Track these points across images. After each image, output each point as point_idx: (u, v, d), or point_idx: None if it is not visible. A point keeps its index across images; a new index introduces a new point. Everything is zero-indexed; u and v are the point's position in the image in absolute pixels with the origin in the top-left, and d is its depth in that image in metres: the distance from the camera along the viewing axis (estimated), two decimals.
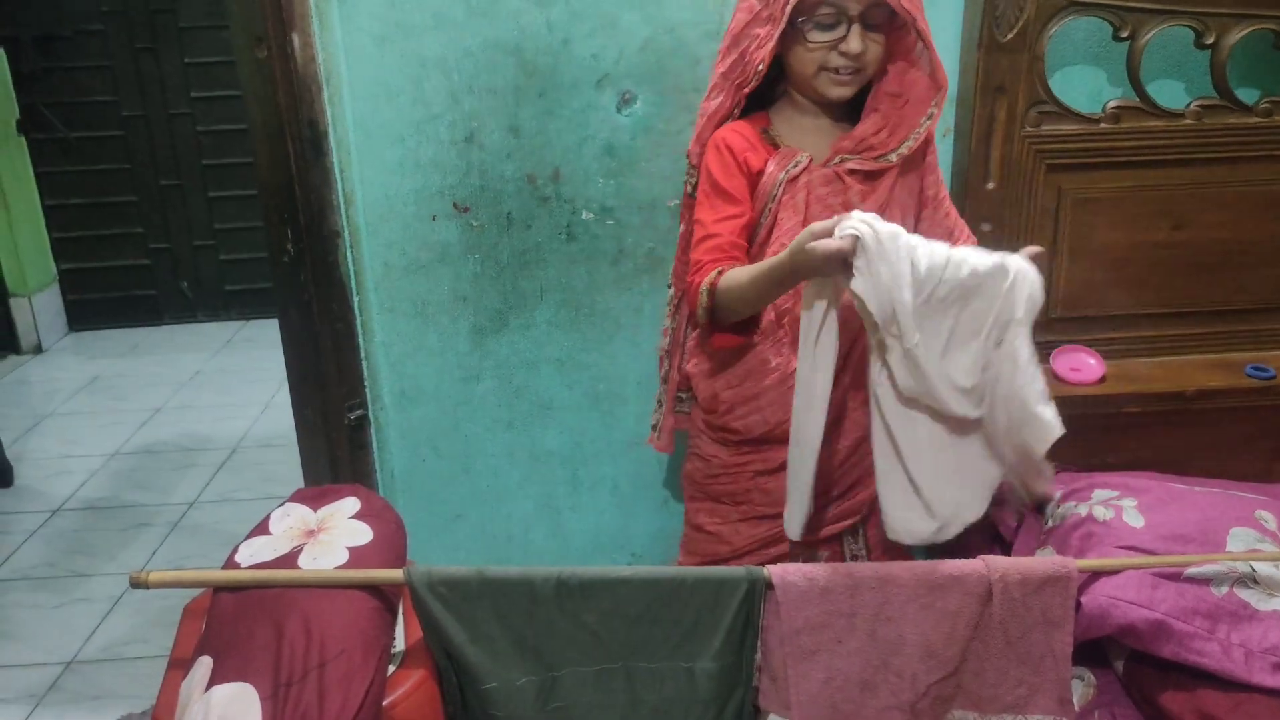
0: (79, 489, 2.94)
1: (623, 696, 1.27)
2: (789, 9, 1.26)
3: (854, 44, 1.27)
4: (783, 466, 1.41)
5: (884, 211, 1.33)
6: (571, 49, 1.62)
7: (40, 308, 4.12)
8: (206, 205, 4.28)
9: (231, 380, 3.77)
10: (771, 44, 1.29)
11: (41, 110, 4.03)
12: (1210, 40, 1.59)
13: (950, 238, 1.39)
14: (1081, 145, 1.63)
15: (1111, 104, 1.62)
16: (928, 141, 1.38)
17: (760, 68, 1.31)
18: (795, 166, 1.35)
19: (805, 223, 1.34)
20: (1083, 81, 1.67)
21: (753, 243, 1.38)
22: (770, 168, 1.35)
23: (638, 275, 1.75)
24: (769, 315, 1.38)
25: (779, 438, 1.39)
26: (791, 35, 1.30)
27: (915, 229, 1.37)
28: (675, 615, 1.24)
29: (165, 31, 4.05)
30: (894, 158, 1.33)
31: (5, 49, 3.95)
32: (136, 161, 4.18)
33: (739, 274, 1.29)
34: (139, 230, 4.27)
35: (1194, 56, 1.63)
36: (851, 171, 1.34)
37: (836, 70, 1.30)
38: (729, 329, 1.38)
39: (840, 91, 1.33)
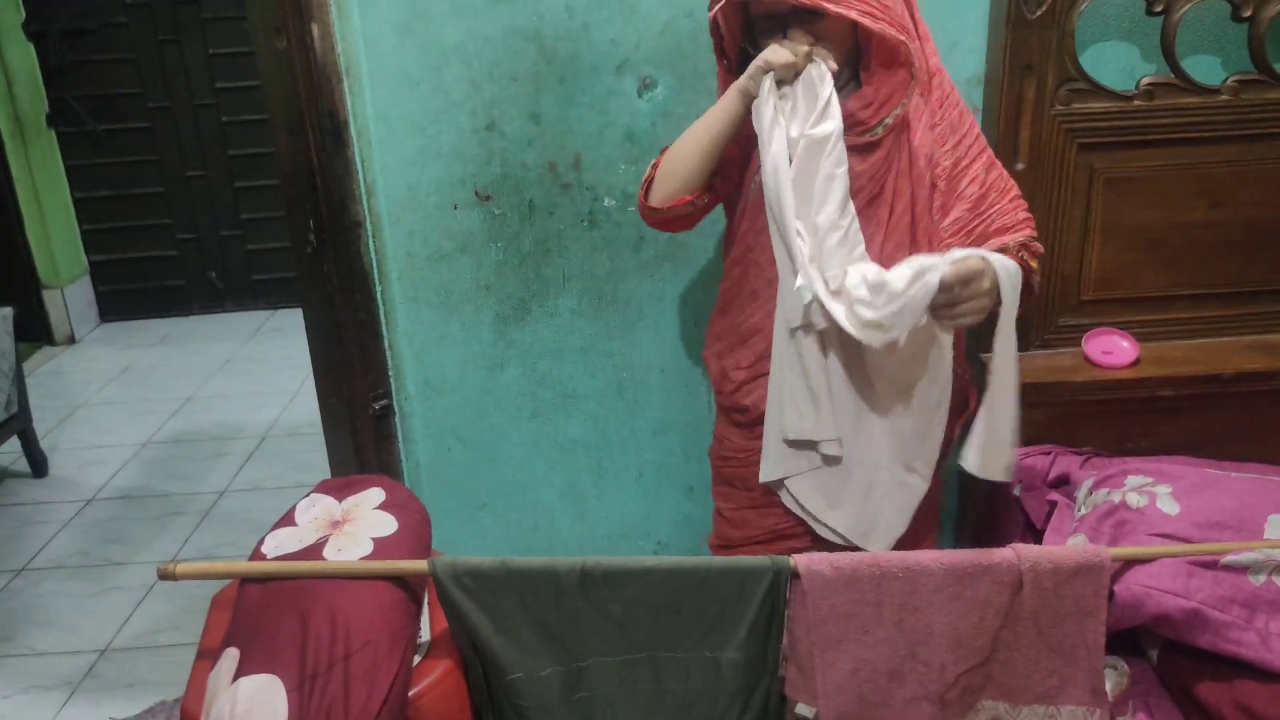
0: (112, 478, 2.98)
1: (648, 686, 1.26)
2: (715, 27, 1.33)
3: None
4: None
5: (883, 183, 1.32)
6: (591, 34, 1.60)
7: (72, 299, 4.17)
8: (233, 195, 4.31)
9: (260, 369, 3.80)
10: (716, 52, 1.37)
11: (70, 103, 4.07)
12: (1248, 13, 1.54)
13: (981, 219, 1.36)
14: (1114, 123, 1.59)
15: (1145, 80, 1.58)
16: (931, 109, 1.33)
17: (719, 72, 1.38)
18: None
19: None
20: (1115, 58, 1.62)
21: (735, 213, 1.41)
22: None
23: (659, 262, 1.73)
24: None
25: None
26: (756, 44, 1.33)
27: (929, 201, 1.34)
28: (700, 605, 1.23)
29: (188, 23, 4.08)
30: (880, 130, 1.31)
31: (34, 44, 3.99)
32: (163, 153, 4.22)
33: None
34: (167, 221, 4.31)
35: (1230, 30, 1.59)
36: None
37: None
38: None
39: None
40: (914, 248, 1.34)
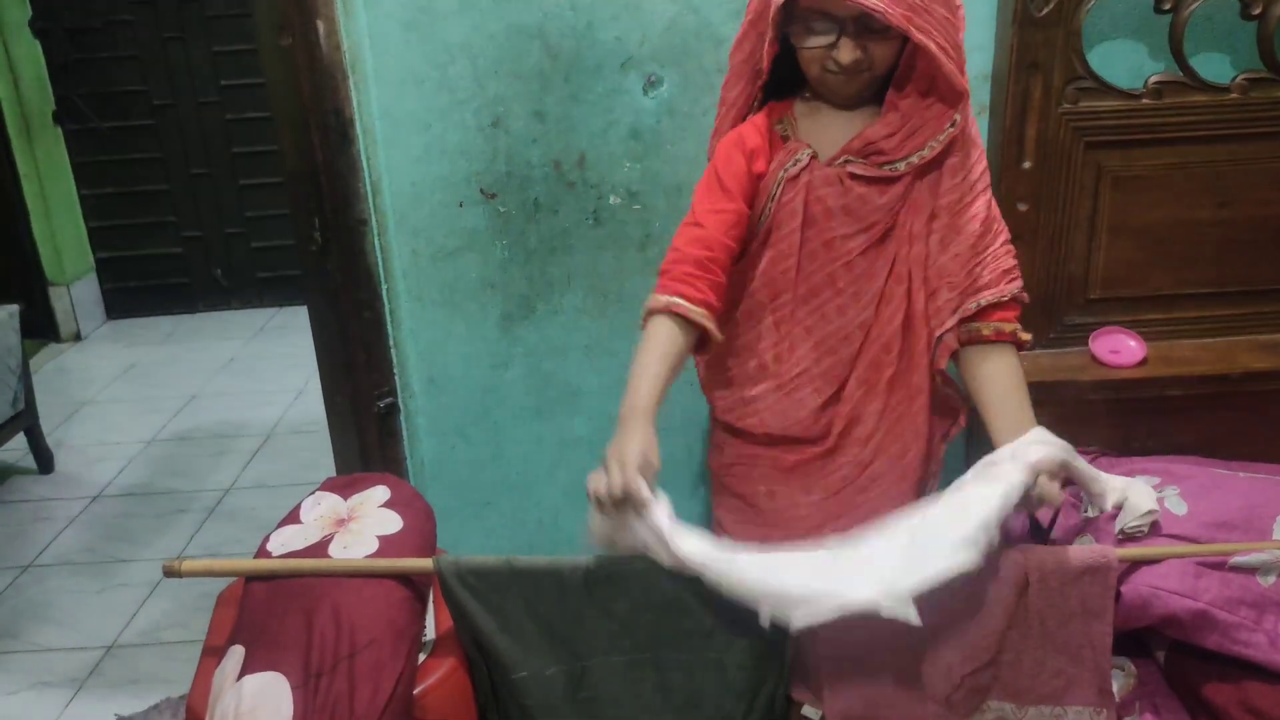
0: (118, 475, 2.99)
1: (652, 686, 1.26)
2: (774, 19, 1.20)
3: (844, 55, 1.20)
4: (793, 469, 1.38)
5: (896, 217, 1.28)
6: (595, 32, 1.60)
7: (78, 296, 4.18)
8: (237, 193, 4.31)
9: (265, 366, 3.81)
10: (766, 44, 1.23)
11: (75, 101, 4.07)
12: (1257, 11, 1.53)
13: (964, 269, 1.30)
14: (1122, 122, 1.58)
15: (1153, 79, 1.57)
16: (950, 149, 1.27)
17: (764, 65, 1.26)
18: (794, 165, 1.28)
19: (805, 224, 1.29)
20: (1122, 56, 1.62)
21: (751, 239, 1.33)
22: (772, 166, 1.30)
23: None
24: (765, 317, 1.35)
25: (785, 439, 1.37)
26: (792, 35, 1.25)
27: (925, 231, 1.30)
28: (704, 606, 1.23)
29: (193, 20, 4.08)
30: (902, 166, 1.25)
31: (40, 41, 3.99)
32: (168, 150, 4.22)
33: (649, 344, 1.35)
34: (172, 219, 4.32)
35: (1240, 28, 1.58)
36: (854, 175, 1.27)
37: (835, 73, 1.24)
38: None
39: (847, 90, 1.26)
40: (913, 285, 1.30)
